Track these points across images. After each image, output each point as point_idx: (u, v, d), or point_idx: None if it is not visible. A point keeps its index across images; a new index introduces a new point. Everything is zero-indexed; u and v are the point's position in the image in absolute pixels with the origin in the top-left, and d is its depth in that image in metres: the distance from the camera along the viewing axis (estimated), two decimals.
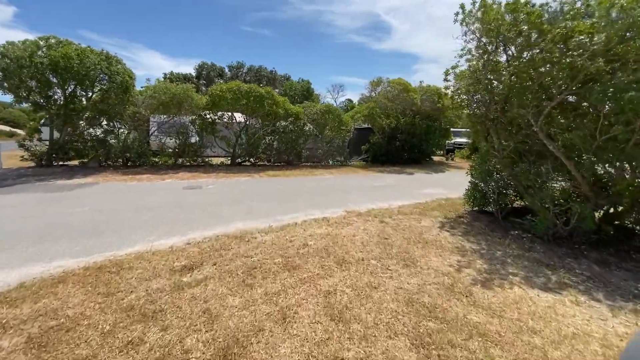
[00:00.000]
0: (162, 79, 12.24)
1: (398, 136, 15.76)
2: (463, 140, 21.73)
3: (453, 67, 6.98)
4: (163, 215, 5.88)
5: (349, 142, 16.56)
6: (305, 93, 33.17)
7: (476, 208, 7.06)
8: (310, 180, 10.45)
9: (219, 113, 13.08)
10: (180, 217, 5.82)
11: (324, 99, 39.88)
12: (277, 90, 26.99)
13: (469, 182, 7.06)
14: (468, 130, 21.34)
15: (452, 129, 19.32)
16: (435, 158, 19.60)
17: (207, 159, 13.20)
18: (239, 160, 13.74)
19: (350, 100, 43.00)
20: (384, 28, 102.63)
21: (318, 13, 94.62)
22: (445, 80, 7.06)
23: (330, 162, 15.94)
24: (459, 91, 6.77)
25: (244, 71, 39.41)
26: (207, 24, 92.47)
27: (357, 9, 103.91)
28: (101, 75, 10.48)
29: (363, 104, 30.76)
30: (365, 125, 17.18)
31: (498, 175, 6.39)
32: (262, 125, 13.54)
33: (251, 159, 13.93)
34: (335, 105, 14.42)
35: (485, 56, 6.12)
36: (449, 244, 5.06)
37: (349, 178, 11.35)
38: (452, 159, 19.75)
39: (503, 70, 5.77)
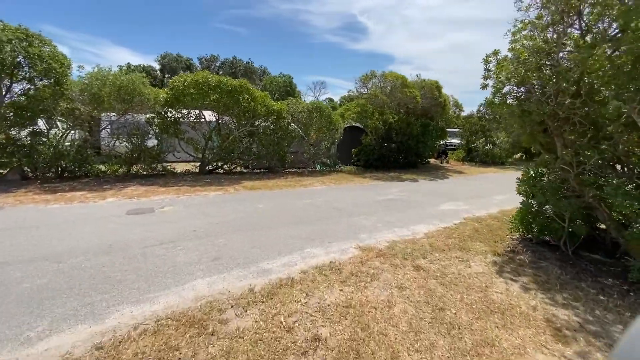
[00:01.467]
0: (118, 71, 9.62)
1: (393, 137, 14.02)
2: (456, 140, 20.45)
3: (495, 52, 5.23)
4: (70, 279, 3.62)
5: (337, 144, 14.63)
6: (288, 89, 30.52)
7: (529, 235, 5.31)
8: (299, 195, 8.38)
9: (184, 110, 10.72)
10: (100, 278, 3.58)
11: (304, 98, 37.77)
12: (256, 86, 24.70)
13: (521, 203, 5.29)
14: (460, 130, 20.11)
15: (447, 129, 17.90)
16: (430, 160, 18.10)
17: (169, 166, 10.77)
18: (210, 167, 11.42)
19: (331, 100, 41.09)
20: (360, 29, 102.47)
21: (294, 12, 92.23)
22: (487, 70, 5.29)
23: (318, 168, 13.93)
24: (505, 81, 4.98)
25: (217, 64, 36.05)
26: (178, 19, 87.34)
27: (333, 9, 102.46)
28: (19, 60, 7.86)
29: (346, 103, 28.95)
30: (356, 125, 15.32)
31: (563, 194, 4.66)
32: (237, 125, 11.30)
33: (225, 166, 11.65)
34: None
35: (558, 29, 4.36)
36: (534, 313, 3.21)
37: (345, 189, 9.39)
38: (447, 161, 18.35)
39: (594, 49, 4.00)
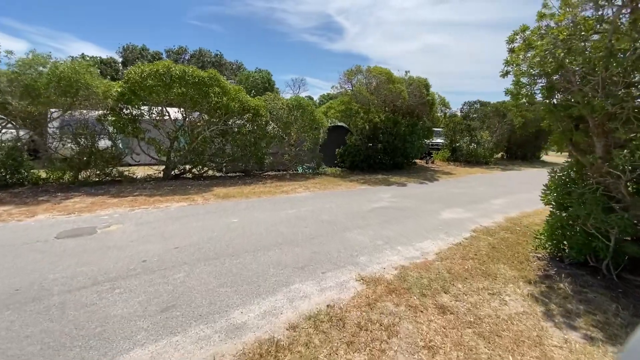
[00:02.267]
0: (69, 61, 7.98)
1: (380, 137, 13.15)
2: (440, 140, 19.98)
3: (523, 29, 4.35)
4: None
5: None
6: (266, 85, 28.73)
7: (558, 254, 4.48)
8: (281, 204, 7.23)
9: (145, 107, 9.26)
10: None
11: (283, 95, 36.19)
12: (230, 81, 23.10)
13: (549, 215, 4.45)
14: (443, 129, 19.65)
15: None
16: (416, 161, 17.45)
17: (127, 171, 9.25)
18: (176, 171, 9.99)
19: (310, 98, 39.85)
20: (336, 29, 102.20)
21: (270, 10, 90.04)
22: (511, 51, 4.41)
23: (300, 170, 12.80)
24: (536, 67, 4.10)
25: (187, 57, 33.58)
26: (146, 15, 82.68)
27: (309, 9, 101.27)
28: None
29: (326, 102, 27.96)
30: (340, 124, 14.33)
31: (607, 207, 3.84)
32: (208, 124, 9.96)
33: (194, 170, 10.26)
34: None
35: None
36: None
37: (332, 196, 8.33)
38: (432, 162, 17.79)
39: None
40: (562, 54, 3.72)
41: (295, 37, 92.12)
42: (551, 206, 4.47)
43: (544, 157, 23.99)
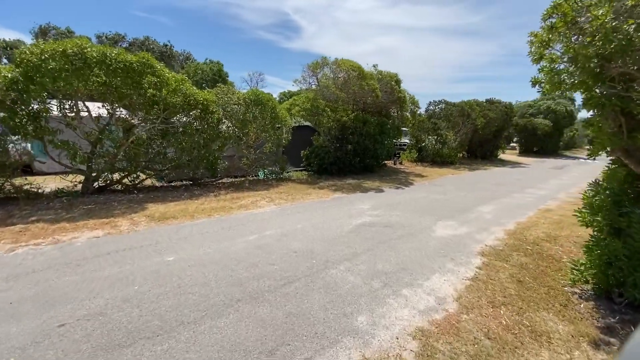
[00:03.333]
0: None
1: (349, 137, 11.96)
2: (406, 140, 19.45)
3: None
4: None
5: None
6: (216, 77, 25.82)
7: (604, 287, 3.50)
8: (237, 226, 5.62)
9: (55, 100, 7.05)
10: None
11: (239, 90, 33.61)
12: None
13: (592, 242, 3.46)
14: (408, 128, 19.13)
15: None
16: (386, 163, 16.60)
17: (29, 185, 6.94)
18: (101, 182, 7.84)
19: (270, 95, 37.73)
20: (294, 27, 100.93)
21: (224, 5, 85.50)
22: (550, 28, 3.31)
23: (261, 175, 11.16)
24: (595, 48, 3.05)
25: (125, 46, 29.35)
26: (85, 2, 73.66)
27: (265, 5, 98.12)
28: None
29: (286, 99, 26.33)
30: (305, 123, 12.91)
31: None
32: (144, 122, 7.96)
33: (126, 179, 8.17)
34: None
35: None
36: None
37: (304, 210, 6.88)
38: (401, 163, 17.11)
39: None
40: (632, 28, 2.68)
41: (251, 34, 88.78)
42: (594, 230, 3.49)
43: (501, 156, 24.78)
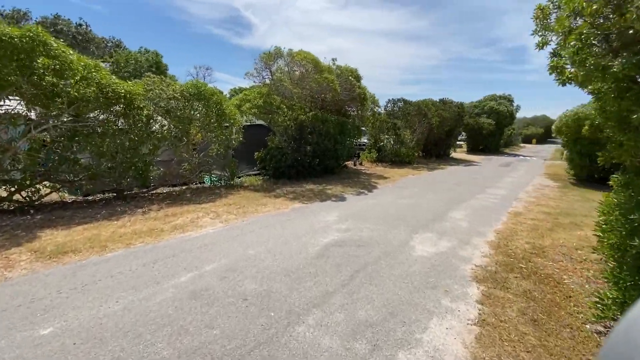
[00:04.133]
0: None
1: (308, 137, 10.89)
2: (365, 140, 18.97)
3: None
4: None
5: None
6: (153, 70, 22.63)
7: None
8: (166, 262, 4.22)
9: None
10: None
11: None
12: (106, 64, 17.14)
13: (616, 272, 2.80)
14: (367, 128, 18.67)
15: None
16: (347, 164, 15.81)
17: None
18: None
19: (215, 89, 34.96)
20: (245, 24, 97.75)
21: None
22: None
23: (207, 182, 9.62)
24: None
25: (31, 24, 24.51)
26: None
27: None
28: None
29: (238, 94, 24.42)
30: (258, 122, 11.56)
31: None
32: (44, 118, 6.08)
33: (20, 195, 6.19)
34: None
35: None
36: None
37: (257, 228, 5.63)
38: (361, 163, 16.50)
39: None
40: None
41: (200, 28, 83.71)
42: (614, 257, 2.85)
43: (453, 154, 25.63)
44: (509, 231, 5.83)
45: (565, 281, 3.81)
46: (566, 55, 2.67)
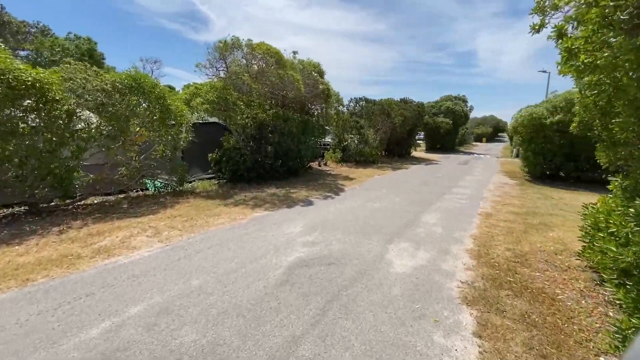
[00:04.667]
0: None
1: (269, 137, 10.00)
2: (329, 139, 18.41)
3: None
4: None
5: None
6: (86, 59, 19.63)
7: None
8: (78, 309, 3.17)
9: None
10: None
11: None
12: (24, 52, 14.32)
13: (634, 291, 2.36)
14: (331, 127, 18.15)
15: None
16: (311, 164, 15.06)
17: None
18: None
19: (171, 88, 32.31)
20: (201, 19, 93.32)
21: None
22: None
23: (151, 189, 8.35)
24: None
25: None
26: None
27: None
28: None
29: (188, 88, 22.59)
30: (212, 120, 10.43)
31: None
32: None
33: None
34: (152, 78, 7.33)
35: None
36: None
37: (206, 247, 4.68)
38: (325, 164, 15.89)
39: None
40: None
41: (150, 21, 78.01)
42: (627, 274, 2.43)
43: (413, 153, 26.09)
44: (485, 236, 5.49)
45: (560, 297, 3.42)
46: (581, 34, 2.18)
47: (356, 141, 17.42)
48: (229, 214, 6.35)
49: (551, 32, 2.88)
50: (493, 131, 68.66)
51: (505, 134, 74.18)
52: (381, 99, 18.64)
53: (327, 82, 11.43)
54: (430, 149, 34.37)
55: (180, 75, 79.14)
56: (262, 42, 9.29)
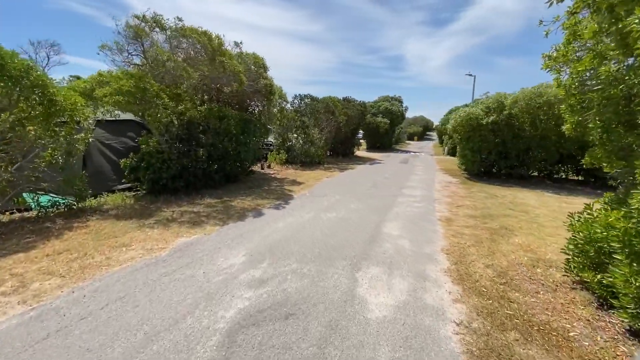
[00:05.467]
0: None
1: (201, 138, 8.37)
2: (271, 139, 17.09)
3: None
4: None
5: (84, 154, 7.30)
6: None
7: None
8: None
9: None
10: None
11: None
12: None
13: None
14: (274, 126, 16.85)
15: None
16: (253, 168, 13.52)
17: None
18: None
19: (77, 78, 27.03)
20: (119, 5, 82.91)
21: None
22: None
23: (34, 208, 6.18)
24: None
25: None
26: None
27: None
28: None
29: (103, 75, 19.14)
30: (126, 117, 8.41)
31: None
32: None
33: None
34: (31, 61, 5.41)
35: None
36: None
37: (99, 305, 3.16)
38: (269, 166, 14.56)
39: None
40: None
41: (58, 3, 66.56)
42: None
43: (357, 153, 26.12)
44: (456, 249, 4.92)
45: (572, 333, 2.82)
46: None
47: (301, 141, 16.42)
48: (144, 241, 4.76)
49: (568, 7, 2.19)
50: (423, 130, 74.00)
51: (433, 133, 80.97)
52: (325, 97, 17.92)
53: (271, 78, 10.14)
54: (371, 148, 35.10)
55: (91, 65, 68.70)
56: (193, 26, 7.60)
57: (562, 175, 14.20)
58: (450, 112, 29.61)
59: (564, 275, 3.86)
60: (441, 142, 41.24)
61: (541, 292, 3.58)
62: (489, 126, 13.06)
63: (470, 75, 26.82)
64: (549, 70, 3.70)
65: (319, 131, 17.81)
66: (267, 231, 5.52)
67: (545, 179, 14.04)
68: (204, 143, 8.56)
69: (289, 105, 15.34)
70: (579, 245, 3.53)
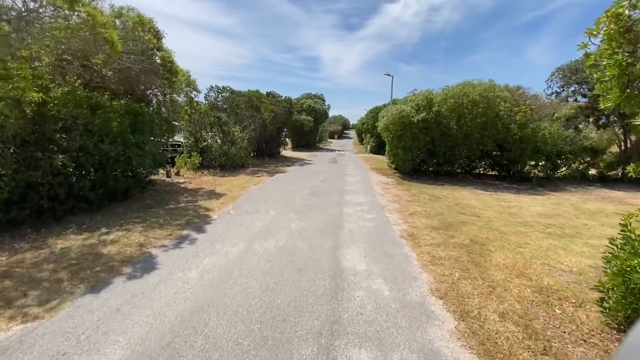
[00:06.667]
0: None
1: (60, 139, 5.48)
2: (180, 139, 14.00)
3: None
4: None
5: None
6: None
7: None
8: None
9: None
10: None
11: None
12: None
13: None
14: (182, 123, 13.82)
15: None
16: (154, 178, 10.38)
17: None
18: None
19: None
20: None
21: None
22: None
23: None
24: None
25: None
26: None
27: None
28: None
29: None
30: None
31: None
32: None
33: None
34: None
35: None
36: None
37: None
38: (177, 173, 11.64)
39: None
40: None
41: None
42: None
43: (283, 153, 24.33)
44: (449, 290, 3.64)
45: None
46: None
47: (219, 141, 13.84)
48: None
49: None
50: (342, 129, 76.41)
51: (350, 131, 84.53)
52: (249, 90, 15.61)
53: (170, 52, 7.48)
54: (296, 147, 33.72)
55: None
56: None
57: (480, 171, 15.06)
58: (372, 110, 30.06)
59: (594, 312, 2.85)
60: (361, 140, 42.47)
61: (558, 343, 2.45)
62: (419, 124, 12.82)
63: (389, 75, 27.65)
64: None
65: (242, 129, 15.44)
66: (165, 293, 3.35)
67: (467, 175, 14.62)
68: (65, 146, 5.66)
69: (202, 97, 12.61)
70: (625, 282, 2.51)
